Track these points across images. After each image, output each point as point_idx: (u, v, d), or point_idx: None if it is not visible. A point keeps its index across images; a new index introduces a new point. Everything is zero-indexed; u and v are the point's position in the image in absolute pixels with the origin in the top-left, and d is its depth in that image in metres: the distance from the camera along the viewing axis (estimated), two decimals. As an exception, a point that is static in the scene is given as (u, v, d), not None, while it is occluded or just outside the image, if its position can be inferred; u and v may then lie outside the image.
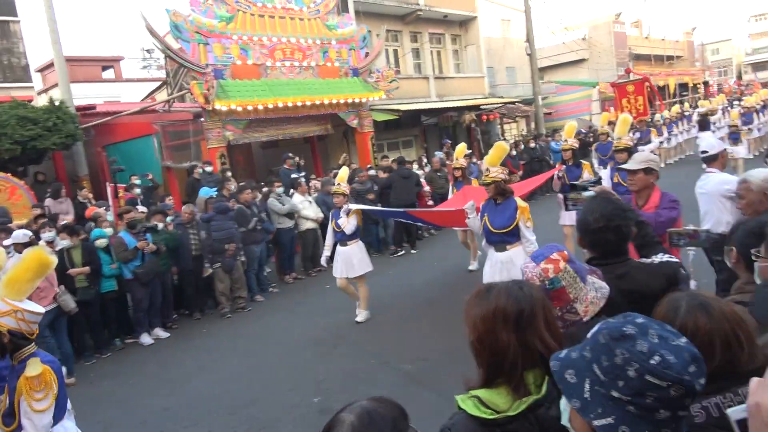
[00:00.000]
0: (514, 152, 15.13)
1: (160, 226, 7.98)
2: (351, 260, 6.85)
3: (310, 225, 9.96)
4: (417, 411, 1.27)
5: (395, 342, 6.14)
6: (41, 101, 13.51)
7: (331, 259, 7.16)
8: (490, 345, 1.50)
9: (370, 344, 6.17)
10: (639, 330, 1.10)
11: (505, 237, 5.17)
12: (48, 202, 10.08)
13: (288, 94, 13.39)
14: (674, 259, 2.50)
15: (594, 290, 1.81)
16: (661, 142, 17.65)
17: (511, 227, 5.09)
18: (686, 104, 24.25)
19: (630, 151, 6.33)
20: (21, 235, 6.38)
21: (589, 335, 1.18)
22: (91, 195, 11.19)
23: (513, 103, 22.74)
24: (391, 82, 15.72)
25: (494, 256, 5.30)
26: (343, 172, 7.36)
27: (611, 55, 31.04)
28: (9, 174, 10.46)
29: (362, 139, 15.94)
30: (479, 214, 5.45)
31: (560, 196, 7.50)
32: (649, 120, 16.07)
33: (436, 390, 4.77)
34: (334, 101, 14.37)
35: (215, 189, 9.26)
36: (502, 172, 5.15)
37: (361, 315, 6.99)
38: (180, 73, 12.76)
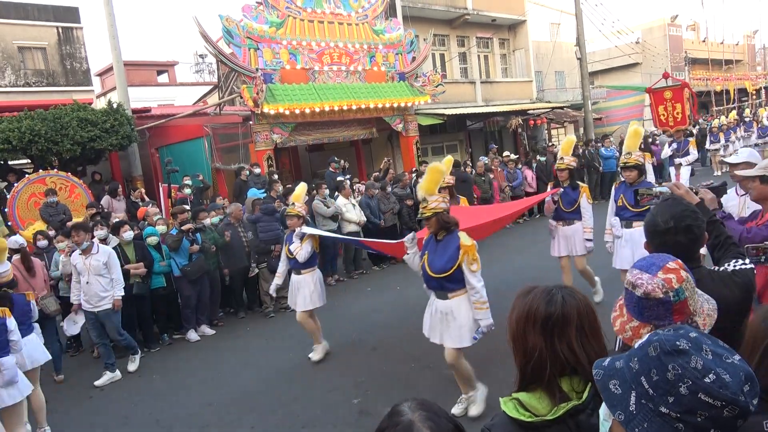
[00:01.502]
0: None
1: (208, 221, 8.20)
2: (303, 291, 6.06)
3: (352, 228, 10.05)
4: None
5: (436, 346, 6.08)
6: (100, 104, 14.12)
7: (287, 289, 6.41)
8: (521, 346, 1.51)
9: (410, 347, 6.15)
10: (693, 345, 1.06)
11: (444, 283, 4.24)
12: (105, 200, 10.52)
13: (335, 98, 13.57)
14: (749, 266, 2.28)
15: (705, 301, 1.65)
16: (717, 150, 16.99)
17: (452, 271, 4.15)
18: (747, 110, 23.21)
19: (640, 168, 5.72)
20: (12, 241, 6.59)
21: (637, 345, 1.15)
22: (143, 191, 11.60)
23: (561, 107, 22.32)
24: (437, 86, 15.71)
25: (434, 303, 4.42)
26: (300, 190, 6.46)
27: (666, 59, 30.08)
28: (69, 173, 10.99)
29: (407, 143, 15.98)
30: (421, 250, 4.56)
31: (552, 222, 6.68)
32: (688, 130, 15.12)
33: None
34: (380, 105, 14.46)
35: (263, 191, 9.45)
36: (443, 200, 4.27)
37: (317, 352, 6.19)
38: (231, 77, 13.12)
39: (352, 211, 10.12)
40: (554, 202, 6.55)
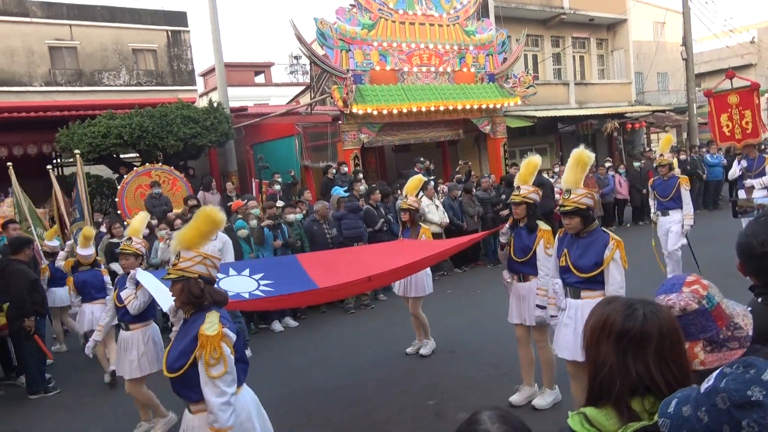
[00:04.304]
0: (655, 165, 14.03)
1: (291, 218, 8.48)
2: (130, 353, 4.78)
3: (434, 229, 9.99)
4: (533, 426, 1.24)
5: (516, 354, 5.95)
6: (202, 103, 15.00)
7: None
8: (591, 357, 1.44)
9: (488, 353, 6.04)
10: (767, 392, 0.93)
11: (179, 388, 2.81)
12: (200, 194, 11.17)
13: (422, 99, 13.59)
14: None
15: (734, 304, 1.65)
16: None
17: (182, 371, 2.70)
18: None
19: (582, 213, 3.91)
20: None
21: (703, 390, 1.03)
22: (232, 184, 12.20)
23: (663, 111, 21.05)
24: (528, 87, 15.32)
25: (185, 414, 2.92)
26: (138, 223, 5.14)
27: (786, 60, 27.55)
28: (172, 167, 11.77)
29: (494, 146, 15.70)
30: None
31: (506, 275, 4.87)
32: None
33: (554, 407, 4.57)
34: (468, 107, 14.32)
35: (345, 188, 9.65)
36: (204, 260, 2.79)
37: (155, 429, 4.90)
38: (323, 78, 13.49)
39: (434, 212, 10.09)
40: (501, 247, 4.85)
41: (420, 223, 6.32)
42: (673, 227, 7.67)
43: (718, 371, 1.04)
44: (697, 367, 1.48)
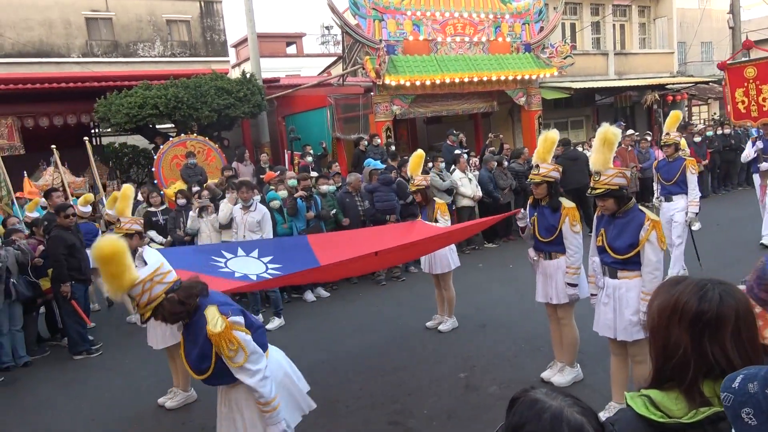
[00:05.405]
0: (698, 138, 13.55)
1: (324, 189, 8.52)
2: (155, 328, 4.89)
3: (466, 202, 9.96)
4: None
5: (547, 327, 5.91)
6: (235, 74, 15.04)
7: None
8: (661, 340, 1.37)
9: (521, 328, 6.02)
10: None
11: (212, 381, 2.93)
12: (234, 164, 11.28)
13: (456, 69, 13.34)
14: None
15: None
16: None
17: (211, 370, 2.77)
18: None
19: (614, 194, 3.78)
20: None
21: None
22: (265, 156, 12.29)
23: (707, 83, 20.26)
24: (565, 58, 14.86)
25: (220, 390, 3.06)
26: (121, 204, 5.15)
27: (841, 28, 26.09)
28: (206, 138, 11.90)
29: (528, 118, 15.37)
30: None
31: (532, 253, 4.74)
32: None
33: (589, 385, 4.55)
34: (503, 78, 14.00)
35: (379, 161, 9.62)
36: (152, 282, 2.67)
37: (174, 398, 5.04)
38: (355, 48, 13.34)
39: (467, 185, 10.01)
40: (522, 230, 4.76)
41: (434, 198, 6.28)
42: (676, 216, 6.97)
43: None
44: None
